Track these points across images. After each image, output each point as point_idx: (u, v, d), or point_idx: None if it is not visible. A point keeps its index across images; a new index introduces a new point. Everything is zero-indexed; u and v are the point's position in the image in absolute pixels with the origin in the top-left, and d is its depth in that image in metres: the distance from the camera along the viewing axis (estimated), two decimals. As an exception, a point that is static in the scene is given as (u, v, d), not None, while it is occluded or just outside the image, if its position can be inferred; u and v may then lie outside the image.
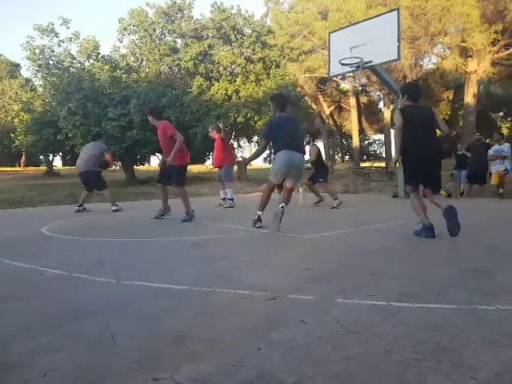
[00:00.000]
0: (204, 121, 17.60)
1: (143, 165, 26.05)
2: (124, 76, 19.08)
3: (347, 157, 45.31)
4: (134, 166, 21.46)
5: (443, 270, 2.98)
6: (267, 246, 4.25)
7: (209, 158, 21.36)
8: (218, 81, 22.26)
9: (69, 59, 20.82)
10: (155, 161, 42.42)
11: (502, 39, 16.66)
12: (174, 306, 2.30)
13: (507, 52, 17.64)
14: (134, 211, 8.14)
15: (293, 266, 3.27)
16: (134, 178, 19.91)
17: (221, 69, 22.90)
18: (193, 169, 25.64)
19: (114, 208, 8.10)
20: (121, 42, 26.42)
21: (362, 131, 34.31)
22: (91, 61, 21.46)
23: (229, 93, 21.23)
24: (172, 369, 1.54)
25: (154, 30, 25.22)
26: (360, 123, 30.19)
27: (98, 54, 21.37)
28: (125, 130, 16.47)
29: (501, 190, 9.49)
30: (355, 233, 5.08)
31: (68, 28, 21.21)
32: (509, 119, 29.60)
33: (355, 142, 27.93)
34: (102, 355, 1.70)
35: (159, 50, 24.62)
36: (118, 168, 23.81)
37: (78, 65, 21.09)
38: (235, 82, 21.78)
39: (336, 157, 42.28)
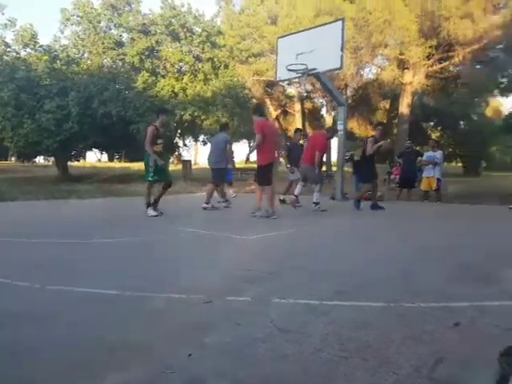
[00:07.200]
0: (148, 116, 17.06)
1: (78, 161, 24.91)
2: (64, 68, 18.13)
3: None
4: (69, 162, 20.42)
5: (378, 270, 3.12)
6: (206, 247, 4.18)
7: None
8: (165, 77, 21.81)
9: (2, 47, 19.49)
10: (92, 157, 40.26)
11: (436, 53, 17.89)
12: (104, 313, 2.17)
13: (440, 66, 18.95)
14: (65, 210, 7.71)
15: (232, 267, 3.24)
16: (67, 174, 18.82)
17: (168, 65, 22.46)
18: (134, 166, 24.78)
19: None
20: (62, 32, 25.16)
21: (305, 136, 35.11)
22: (28, 50, 20.23)
23: (175, 90, 20.86)
24: (98, 379, 1.47)
25: (99, 22, 24.24)
26: (304, 128, 30.86)
27: (36, 43, 20.18)
28: (61, 122, 15.65)
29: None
30: (295, 234, 5.18)
31: (3, 14, 19.91)
32: (438, 128, 31.71)
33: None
34: (20, 369, 1.57)
35: (103, 43, 23.71)
36: (50, 163, 22.52)
37: (13, 53, 19.79)
38: (183, 79, 21.45)
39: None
